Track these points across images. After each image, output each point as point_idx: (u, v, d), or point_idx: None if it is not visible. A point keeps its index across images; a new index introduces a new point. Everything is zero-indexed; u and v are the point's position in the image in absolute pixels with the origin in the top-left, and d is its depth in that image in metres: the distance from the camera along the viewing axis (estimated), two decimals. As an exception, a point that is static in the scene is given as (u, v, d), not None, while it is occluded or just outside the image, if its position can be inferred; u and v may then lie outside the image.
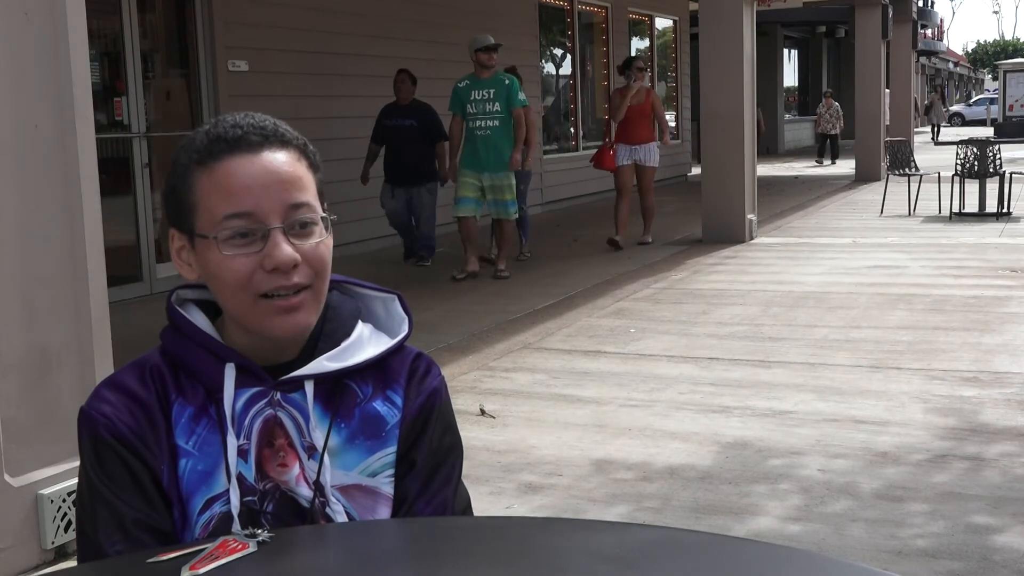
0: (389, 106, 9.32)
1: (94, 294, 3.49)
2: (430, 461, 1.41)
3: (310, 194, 1.33)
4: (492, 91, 8.45)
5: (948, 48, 55.63)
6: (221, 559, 1.14)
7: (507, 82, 8.51)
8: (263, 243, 1.29)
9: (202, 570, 1.11)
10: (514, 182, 8.54)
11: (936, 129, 34.68)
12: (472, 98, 8.50)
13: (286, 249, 1.28)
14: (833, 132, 23.23)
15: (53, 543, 3.34)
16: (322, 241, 1.33)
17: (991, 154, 11.72)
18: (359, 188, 9.19)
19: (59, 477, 3.36)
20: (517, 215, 8.70)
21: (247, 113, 1.35)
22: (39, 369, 3.36)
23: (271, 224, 1.29)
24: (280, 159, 1.31)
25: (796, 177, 19.38)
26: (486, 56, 8.47)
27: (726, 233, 10.34)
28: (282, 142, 1.33)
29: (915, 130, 33.59)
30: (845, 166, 20.10)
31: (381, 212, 9.40)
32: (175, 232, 1.35)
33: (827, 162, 23.02)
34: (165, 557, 1.16)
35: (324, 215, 1.33)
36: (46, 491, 3.32)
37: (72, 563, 3.33)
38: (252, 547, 1.17)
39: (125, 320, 5.47)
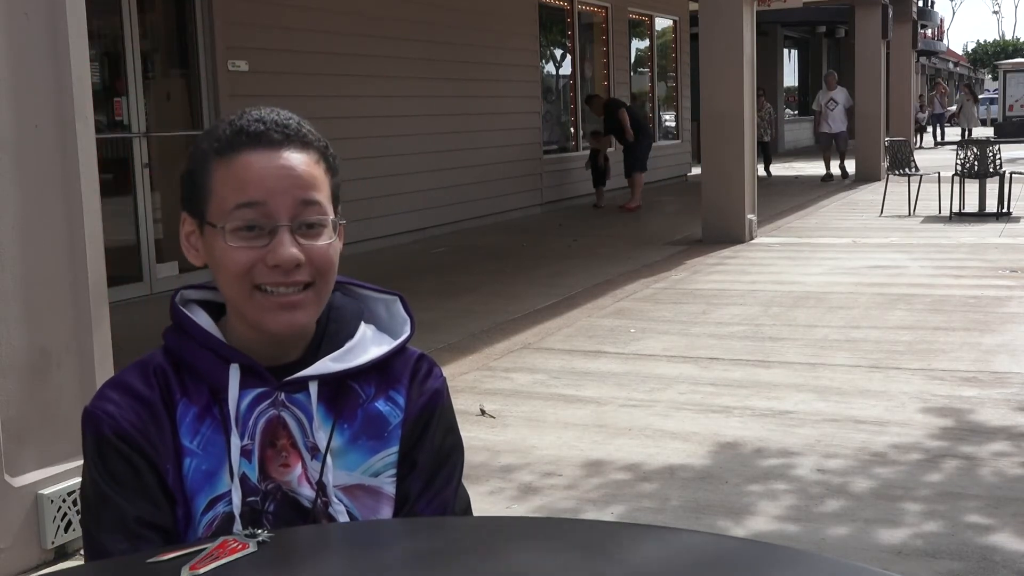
0: None
1: (94, 294, 3.49)
2: (432, 462, 1.41)
3: (323, 195, 1.33)
4: None
5: (948, 48, 55.62)
6: (221, 559, 1.14)
7: None
8: (269, 238, 1.30)
9: (202, 570, 1.11)
10: None
11: (967, 132, 30.61)
12: None
13: (290, 248, 1.29)
14: (765, 139, 19.14)
15: (53, 543, 3.34)
16: (330, 243, 1.33)
17: (991, 154, 11.71)
18: (361, 188, 9.18)
19: (59, 477, 3.36)
20: None
21: (273, 109, 1.35)
22: (39, 369, 3.36)
23: (279, 221, 1.29)
24: (298, 159, 1.31)
25: (796, 177, 19.37)
26: None
27: (726, 233, 10.33)
28: (303, 143, 1.33)
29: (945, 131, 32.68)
30: (847, 166, 20.02)
31: (394, 212, 8.77)
32: (187, 216, 1.36)
33: (760, 173, 19.16)
34: (165, 557, 1.16)
35: (334, 218, 1.34)
36: (46, 491, 3.32)
37: (72, 563, 3.34)
38: (252, 547, 1.17)
39: (125, 320, 5.47)
